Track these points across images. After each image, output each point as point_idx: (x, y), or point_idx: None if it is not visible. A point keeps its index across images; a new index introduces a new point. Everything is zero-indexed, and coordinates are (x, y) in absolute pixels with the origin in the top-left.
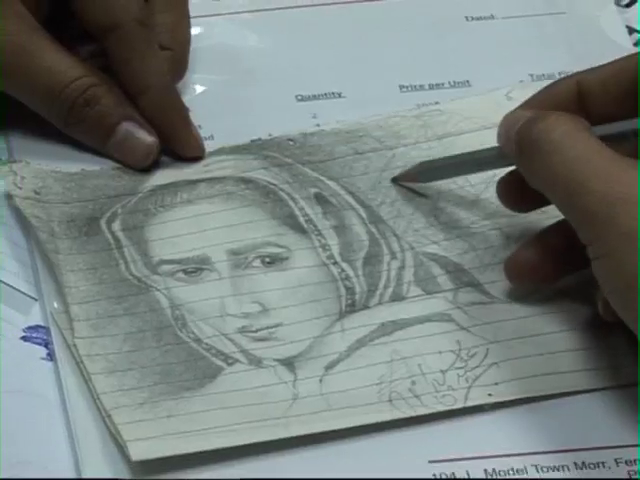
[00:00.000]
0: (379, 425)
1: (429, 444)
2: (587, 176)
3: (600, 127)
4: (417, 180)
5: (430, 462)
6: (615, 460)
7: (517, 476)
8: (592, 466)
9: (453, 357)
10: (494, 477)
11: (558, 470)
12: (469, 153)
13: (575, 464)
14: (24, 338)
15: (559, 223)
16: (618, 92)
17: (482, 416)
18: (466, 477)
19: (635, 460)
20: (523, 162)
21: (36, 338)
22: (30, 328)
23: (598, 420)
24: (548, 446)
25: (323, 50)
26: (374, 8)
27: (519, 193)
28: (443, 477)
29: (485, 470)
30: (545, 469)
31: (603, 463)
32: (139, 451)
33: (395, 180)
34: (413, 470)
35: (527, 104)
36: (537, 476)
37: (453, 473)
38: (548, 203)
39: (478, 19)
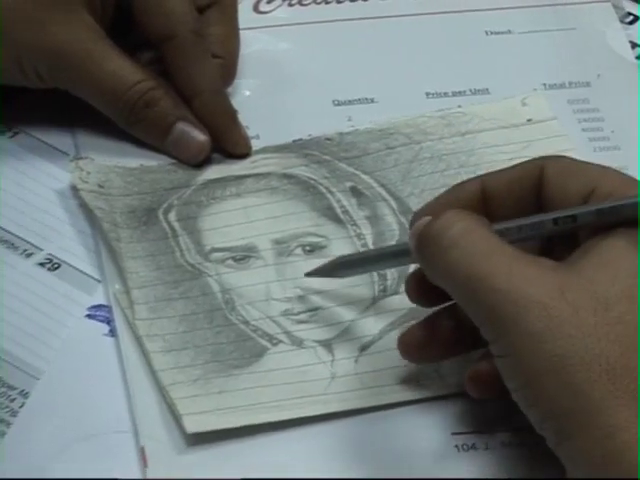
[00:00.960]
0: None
1: (452, 418)
2: (488, 273)
3: (498, 224)
4: (333, 275)
5: (453, 434)
6: None
7: (530, 447)
8: None
9: None
10: (510, 447)
11: None
12: (382, 248)
13: None
14: (88, 316)
15: (451, 306)
16: (521, 194)
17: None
18: (485, 448)
19: None
20: (423, 258)
21: (99, 316)
22: (94, 307)
23: None
24: None
25: (358, 60)
26: (403, 23)
27: (424, 289)
28: (464, 447)
29: (502, 442)
30: None
31: None
32: (193, 424)
33: (310, 275)
34: (437, 441)
35: (432, 205)
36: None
37: (473, 444)
38: (451, 299)
39: (497, 34)
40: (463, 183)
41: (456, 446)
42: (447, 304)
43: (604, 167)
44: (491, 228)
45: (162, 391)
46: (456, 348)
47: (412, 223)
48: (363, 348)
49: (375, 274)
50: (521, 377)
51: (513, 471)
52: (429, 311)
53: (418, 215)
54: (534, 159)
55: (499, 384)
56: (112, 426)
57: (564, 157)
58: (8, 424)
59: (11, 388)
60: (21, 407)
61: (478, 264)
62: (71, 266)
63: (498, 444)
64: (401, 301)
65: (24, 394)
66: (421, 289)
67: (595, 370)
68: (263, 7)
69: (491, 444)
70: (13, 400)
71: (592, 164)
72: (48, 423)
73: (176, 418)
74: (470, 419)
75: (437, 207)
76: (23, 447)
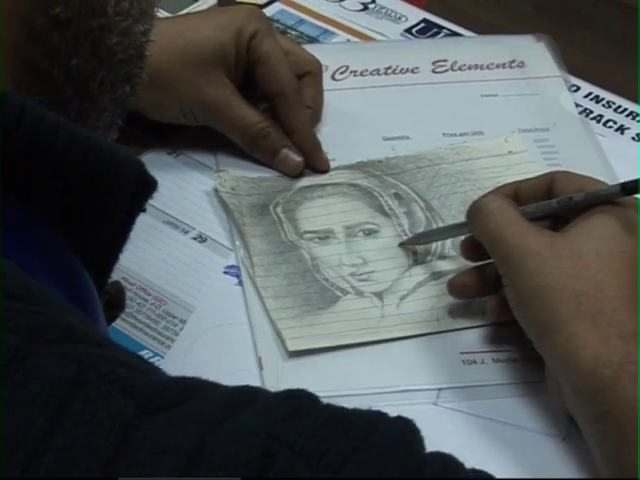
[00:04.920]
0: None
1: (461, 343)
2: (508, 234)
3: (522, 207)
4: (417, 243)
5: (460, 353)
6: None
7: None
8: None
9: None
10: (498, 363)
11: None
12: (446, 226)
13: None
14: (225, 272)
15: (490, 263)
16: (539, 193)
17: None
18: (482, 362)
19: None
20: (472, 223)
21: (231, 272)
22: (228, 266)
23: None
24: None
25: (398, 111)
26: (429, 88)
27: (473, 249)
28: (468, 362)
29: (493, 359)
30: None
31: None
32: (293, 345)
33: (402, 244)
34: (450, 357)
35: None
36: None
37: (474, 360)
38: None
39: (488, 96)
40: (504, 185)
41: (462, 361)
42: (484, 262)
43: (592, 178)
44: (517, 207)
45: (272, 323)
46: (488, 289)
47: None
48: (402, 298)
49: (409, 251)
50: (518, 298)
51: (499, 378)
52: (442, 275)
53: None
54: (548, 172)
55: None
56: (240, 341)
57: (569, 172)
58: (173, 340)
59: (174, 317)
60: (181, 330)
61: (503, 228)
62: (213, 240)
63: (490, 360)
64: (427, 268)
65: (182, 321)
66: (470, 249)
67: (565, 295)
68: (337, 77)
69: (486, 360)
70: (176, 325)
71: (586, 176)
72: (198, 340)
73: (281, 340)
74: (473, 344)
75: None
76: (182, 353)
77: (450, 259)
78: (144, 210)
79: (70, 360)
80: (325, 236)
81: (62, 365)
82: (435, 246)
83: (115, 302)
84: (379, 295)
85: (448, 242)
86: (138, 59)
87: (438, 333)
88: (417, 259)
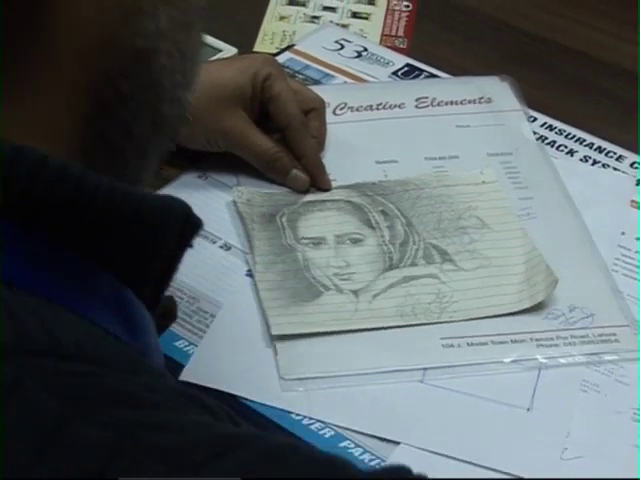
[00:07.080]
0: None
1: (442, 329)
2: None
3: None
4: None
5: (441, 338)
6: None
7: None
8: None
9: (434, 297)
10: (472, 346)
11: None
12: None
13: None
14: (246, 275)
15: None
16: None
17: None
18: (458, 346)
19: None
20: None
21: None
22: (249, 270)
23: None
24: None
25: (388, 139)
26: (411, 121)
27: None
28: (446, 345)
29: (467, 343)
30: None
31: None
32: (276, 330)
33: None
34: (432, 343)
35: None
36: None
37: (452, 344)
38: None
39: (462, 127)
40: None
41: (442, 345)
42: None
43: None
44: None
45: (262, 311)
46: None
47: None
48: (375, 296)
49: (387, 257)
50: None
51: (472, 358)
52: (411, 279)
53: None
54: None
55: None
56: (258, 330)
57: None
58: (204, 331)
59: (205, 312)
60: (211, 322)
61: None
62: (236, 248)
63: (465, 344)
64: (399, 272)
65: (212, 315)
66: None
67: None
68: (338, 112)
69: (462, 344)
70: (206, 319)
71: None
72: (225, 330)
73: (267, 326)
74: (451, 331)
75: None
76: (213, 341)
77: (420, 266)
78: (191, 246)
79: (110, 429)
80: (318, 242)
81: (102, 435)
82: (408, 255)
83: (168, 313)
84: (355, 292)
85: (420, 252)
86: (182, 120)
87: (400, 327)
88: (392, 264)
